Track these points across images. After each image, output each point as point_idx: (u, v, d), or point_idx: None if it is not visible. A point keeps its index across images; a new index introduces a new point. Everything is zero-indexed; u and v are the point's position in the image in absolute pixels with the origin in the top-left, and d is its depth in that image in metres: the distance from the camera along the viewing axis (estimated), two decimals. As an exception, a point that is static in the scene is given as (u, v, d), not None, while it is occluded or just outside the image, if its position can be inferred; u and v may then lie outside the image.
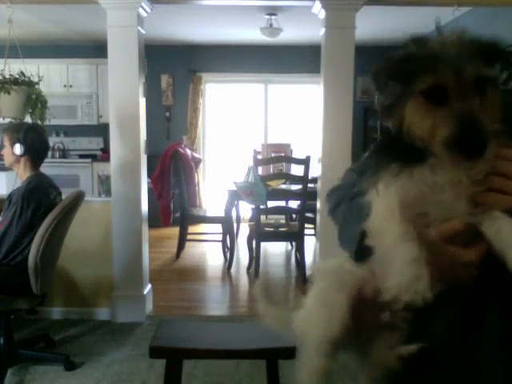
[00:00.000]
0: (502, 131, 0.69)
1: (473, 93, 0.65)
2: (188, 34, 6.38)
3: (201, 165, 6.43)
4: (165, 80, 7.22)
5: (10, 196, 2.80)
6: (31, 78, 3.37)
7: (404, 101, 0.69)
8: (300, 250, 4.64)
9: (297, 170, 4.89)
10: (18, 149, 2.80)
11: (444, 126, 0.65)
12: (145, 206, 3.67)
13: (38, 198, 2.73)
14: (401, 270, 0.67)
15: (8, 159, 2.88)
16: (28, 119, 3.38)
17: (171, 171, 5.02)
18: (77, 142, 7.20)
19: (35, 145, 2.85)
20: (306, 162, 4.39)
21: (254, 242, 4.63)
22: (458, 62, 0.66)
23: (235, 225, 5.49)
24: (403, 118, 0.69)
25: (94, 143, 7.19)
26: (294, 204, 5.18)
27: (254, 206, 4.61)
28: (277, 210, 4.99)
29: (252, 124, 7.43)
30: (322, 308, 0.77)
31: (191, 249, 5.56)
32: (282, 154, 5.61)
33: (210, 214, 5.41)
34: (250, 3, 4.32)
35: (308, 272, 4.52)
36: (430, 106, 0.67)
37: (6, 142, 2.85)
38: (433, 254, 0.70)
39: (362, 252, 0.77)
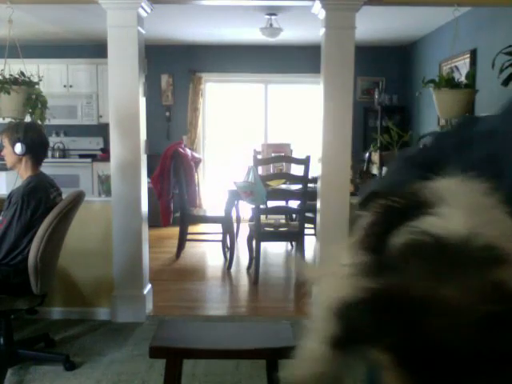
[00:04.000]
0: None
1: None
2: (188, 34, 6.38)
3: (201, 165, 6.42)
4: (165, 80, 7.22)
5: (9, 196, 2.79)
6: (31, 78, 3.37)
7: None
8: (300, 249, 4.63)
9: (297, 170, 4.89)
10: (19, 148, 2.80)
11: None
12: (145, 206, 3.66)
13: (38, 197, 2.73)
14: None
15: (10, 160, 2.87)
16: (28, 119, 3.38)
17: (171, 171, 5.02)
18: (77, 141, 7.20)
19: (35, 142, 2.85)
20: (305, 162, 4.39)
21: (254, 242, 4.63)
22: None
23: (235, 225, 5.49)
24: None
25: (93, 143, 7.19)
26: (294, 204, 5.17)
27: (253, 206, 4.61)
28: (277, 210, 4.99)
29: (252, 124, 7.43)
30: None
31: (191, 249, 5.56)
32: (282, 154, 5.61)
33: (209, 213, 5.41)
34: (250, 3, 4.31)
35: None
36: None
37: (6, 143, 2.85)
38: None
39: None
